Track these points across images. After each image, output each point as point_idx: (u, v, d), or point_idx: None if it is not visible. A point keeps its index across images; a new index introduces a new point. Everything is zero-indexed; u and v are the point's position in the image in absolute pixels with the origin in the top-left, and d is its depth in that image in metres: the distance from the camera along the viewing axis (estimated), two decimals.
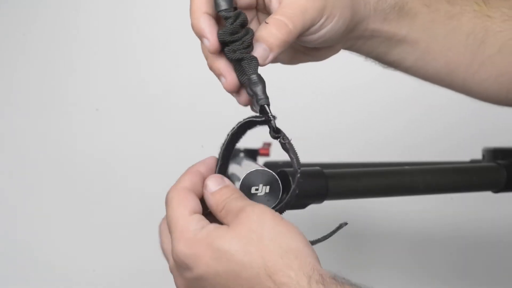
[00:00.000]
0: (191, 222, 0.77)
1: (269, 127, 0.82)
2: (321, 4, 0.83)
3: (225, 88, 0.83)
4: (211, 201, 0.80)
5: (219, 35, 0.81)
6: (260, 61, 0.81)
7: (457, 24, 0.94)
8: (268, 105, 0.81)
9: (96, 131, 1.86)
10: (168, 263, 0.81)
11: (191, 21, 0.81)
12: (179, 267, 0.78)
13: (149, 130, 1.87)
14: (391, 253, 1.86)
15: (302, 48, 0.90)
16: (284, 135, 0.82)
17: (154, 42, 1.87)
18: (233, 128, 0.82)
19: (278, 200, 0.82)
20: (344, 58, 0.96)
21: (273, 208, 0.82)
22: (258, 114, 0.82)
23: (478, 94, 0.98)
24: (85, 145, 1.86)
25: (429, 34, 0.94)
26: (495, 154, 1.24)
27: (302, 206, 0.93)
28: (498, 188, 1.14)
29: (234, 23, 0.80)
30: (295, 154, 0.81)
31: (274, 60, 0.90)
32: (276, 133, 0.82)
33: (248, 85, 0.81)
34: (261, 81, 0.81)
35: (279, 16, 0.82)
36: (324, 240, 0.83)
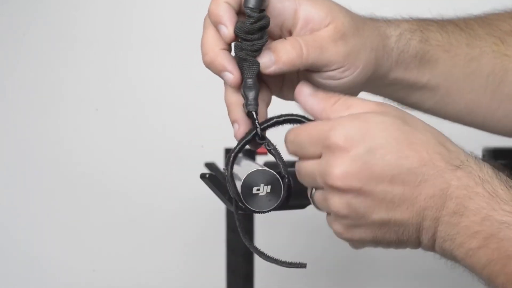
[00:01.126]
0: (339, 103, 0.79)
1: (255, 134, 0.83)
2: (344, 50, 0.84)
3: (231, 83, 0.83)
4: (319, 99, 0.80)
5: (235, 28, 0.81)
6: (261, 67, 0.82)
7: (477, 66, 0.95)
8: (256, 111, 0.82)
9: (96, 131, 1.86)
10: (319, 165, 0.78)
11: (210, 6, 0.81)
12: (348, 147, 0.75)
13: (149, 130, 1.86)
14: (390, 252, 1.86)
15: None
16: (269, 141, 0.83)
17: (154, 42, 1.87)
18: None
19: (280, 199, 0.82)
20: None
21: (273, 208, 0.83)
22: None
23: (499, 131, 1.00)
24: (85, 145, 1.86)
25: (449, 78, 0.95)
26: (495, 154, 1.24)
27: (302, 206, 0.93)
28: None
29: (254, 24, 0.81)
30: (281, 159, 0.83)
31: (292, 99, 0.89)
32: (261, 139, 0.83)
33: (243, 87, 0.82)
34: (255, 87, 0.82)
35: (299, 38, 0.83)
36: (273, 261, 0.82)
